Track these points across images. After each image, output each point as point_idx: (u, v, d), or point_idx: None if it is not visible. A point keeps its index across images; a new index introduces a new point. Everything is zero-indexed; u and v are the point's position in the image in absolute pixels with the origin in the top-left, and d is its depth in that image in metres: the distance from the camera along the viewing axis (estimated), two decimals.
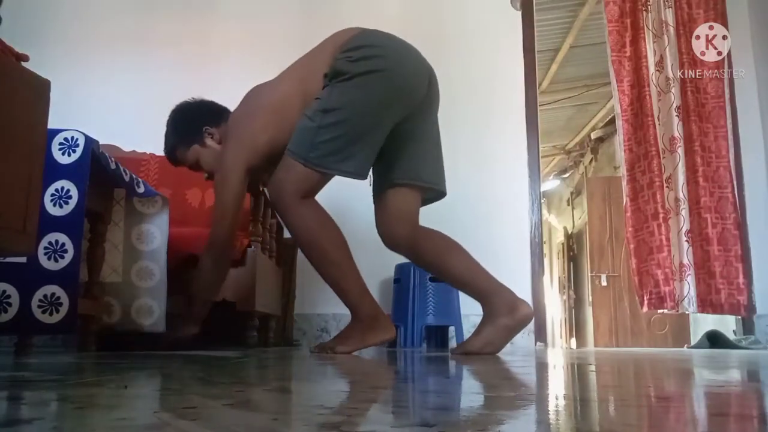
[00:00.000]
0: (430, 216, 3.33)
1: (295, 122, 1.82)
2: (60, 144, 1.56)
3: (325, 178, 1.81)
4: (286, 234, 3.04)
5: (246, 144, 1.86)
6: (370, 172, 1.94)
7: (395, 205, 1.96)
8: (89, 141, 1.58)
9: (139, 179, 1.87)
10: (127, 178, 1.77)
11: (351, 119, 1.75)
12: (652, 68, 3.45)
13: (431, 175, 2.00)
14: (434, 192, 2.05)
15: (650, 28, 3.50)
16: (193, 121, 2.03)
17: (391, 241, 1.99)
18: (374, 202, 2.03)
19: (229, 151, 1.89)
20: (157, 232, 1.96)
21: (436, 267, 2.03)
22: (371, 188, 2.04)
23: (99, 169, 1.63)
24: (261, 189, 2.39)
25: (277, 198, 1.80)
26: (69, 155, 1.56)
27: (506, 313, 1.90)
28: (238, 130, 1.91)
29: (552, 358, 1.96)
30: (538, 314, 3.19)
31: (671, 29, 3.48)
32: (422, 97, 1.90)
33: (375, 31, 1.88)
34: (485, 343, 1.89)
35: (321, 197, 1.94)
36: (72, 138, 1.57)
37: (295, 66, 1.95)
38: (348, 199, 3.24)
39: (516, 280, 3.20)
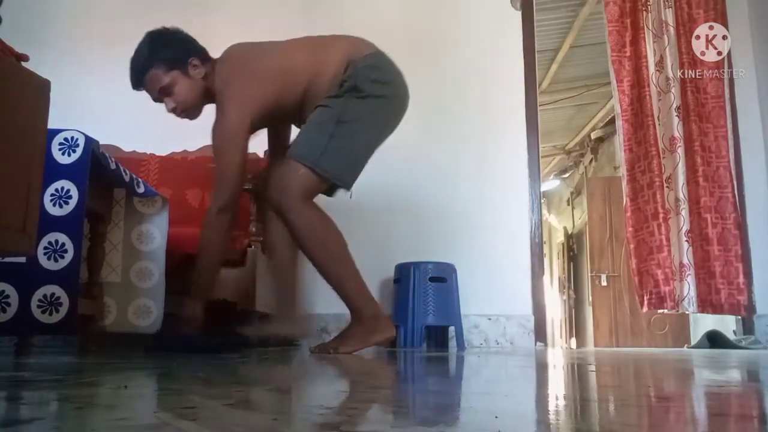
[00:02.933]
0: (430, 215, 3.34)
1: (297, 92, 1.91)
2: (60, 144, 1.56)
3: (323, 185, 1.88)
4: None
5: (251, 101, 1.87)
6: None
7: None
8: (89, 141, 1.58)
9: (139, 179, 1.86)
10: (127, 178, 1.77)
11: (360, 135, 1.87)
12: (652, 68, 3.45)
13: None
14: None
15: (650, 28, 3.50)
16: (179, 47, 1.97)
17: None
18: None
19: (231, 107, 1.87)
20: (156, 232, 1.96)
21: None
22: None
23: (99, 169, 1.63)
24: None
25: (280, 199, 1.82)
26: (69, 155, 1.56)
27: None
28: (242, 86, 1.89)
29: (552, 358, 1.97)
30: (538, 314, 3.19)
31: (671, 29, 3.47)
32: None
33: (387, 56, 1.97)
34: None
35: (325, 197, 1.96)
36: (72, 138, 1.57)
37: (307, 44, 1.99)
38: (350, 199, 3.24)
39: (516, 280, 3.21)
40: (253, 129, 1.93)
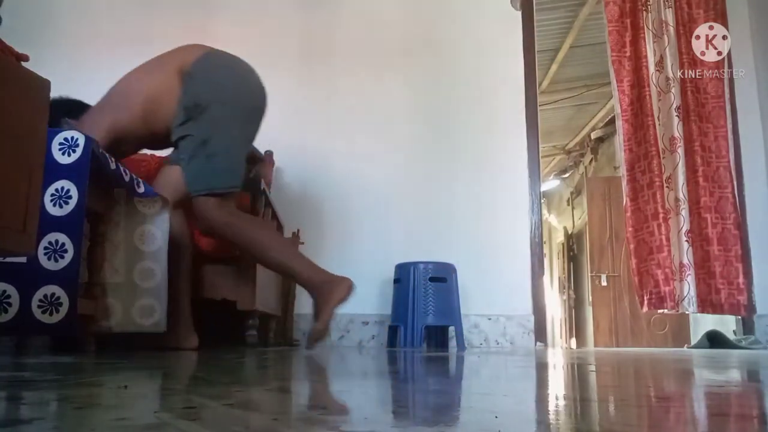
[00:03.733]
0: (430, 216, 3.33)
1: (134, 114, 2.02)
2: (60, 144, 1.56)
3: (229, 196, 2.01)
4: (287, 233, 3.04)
5: (87, 127, 1.98)
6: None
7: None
8: (89, 141, 1.58)
9: (139, 179, 1.86)
10: (127, 178, 1.77)
11: (228, 142, 1.99)
12: (652, 68, 3.45)
13: None
14: None
15: (650, 28, 3.50)
16: (53, 116, 2.10)
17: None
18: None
19: None
20: (158, 232, 1.96)
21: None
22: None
23: (99, 169, 1.63)
24: (261, 188, 2.39)
25: (206, 224, 2.00)
26: (69, 155, 1.56)
27: None
28: (87, 117, 2.08)
29: (552, 358, 1.97)
30: (538, 314, 3.19)
31: (671, 29, 3.48)
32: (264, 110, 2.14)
33: (214, 54, 2.06)
34: None
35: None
36: (72, 138, 1.57)
37: (143, 67, 2.13)
38: (350, 200, 3.24)
39: (516, 280, 3.21)
40: (121, 155, 2.06)
